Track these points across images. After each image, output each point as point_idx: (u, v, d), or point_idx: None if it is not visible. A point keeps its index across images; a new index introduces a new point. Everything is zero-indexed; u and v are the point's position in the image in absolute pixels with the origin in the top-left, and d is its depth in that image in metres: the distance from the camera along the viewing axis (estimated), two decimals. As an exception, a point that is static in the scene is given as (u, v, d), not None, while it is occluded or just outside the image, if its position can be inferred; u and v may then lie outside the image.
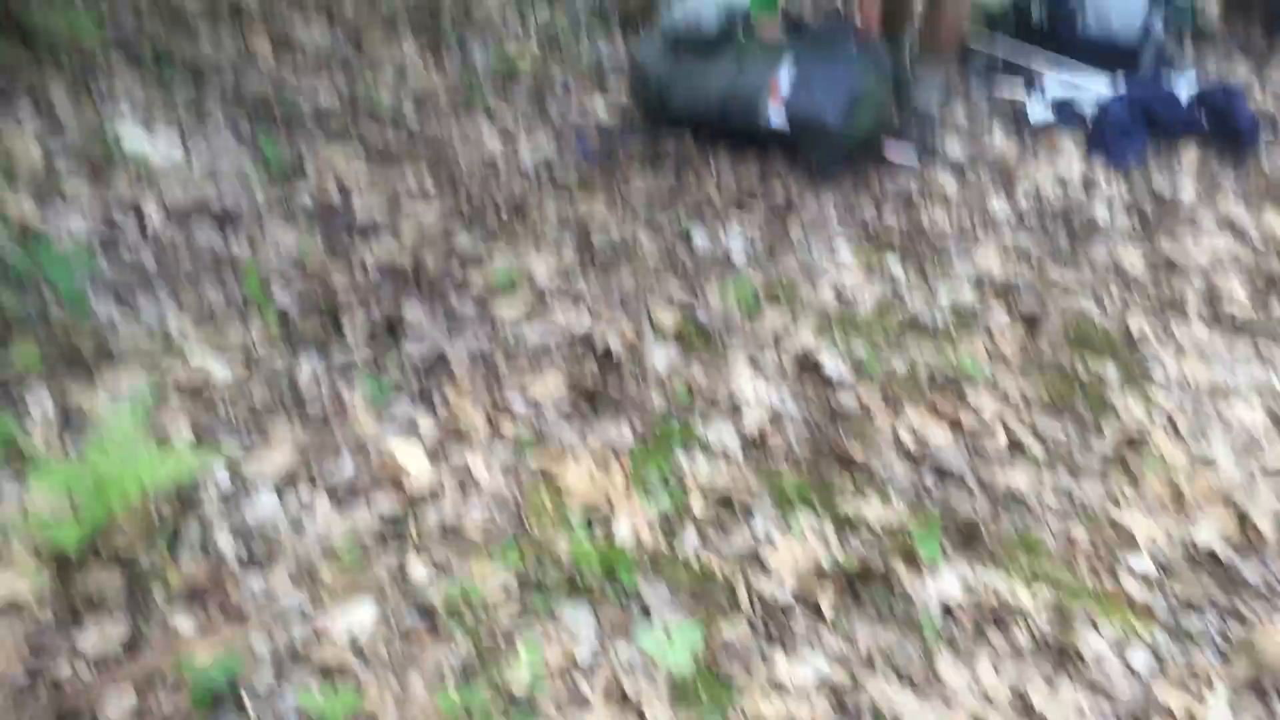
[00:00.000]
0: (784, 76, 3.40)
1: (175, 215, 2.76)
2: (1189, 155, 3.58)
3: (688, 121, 3.54)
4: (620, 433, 2.28)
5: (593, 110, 3.76)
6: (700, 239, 3.08)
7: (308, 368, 2.36)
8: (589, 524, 2.01)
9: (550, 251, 2.95)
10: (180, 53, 3.42)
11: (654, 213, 3.20)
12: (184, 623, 1.72)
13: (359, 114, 3.46)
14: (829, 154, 3.37)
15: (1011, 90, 3.95)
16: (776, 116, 3.38)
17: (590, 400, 2.37)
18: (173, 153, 2.95)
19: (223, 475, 2.01)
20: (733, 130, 3.49)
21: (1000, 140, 3.68)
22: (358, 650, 1.72)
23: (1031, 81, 3.98)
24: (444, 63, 3.87)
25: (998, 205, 3.33)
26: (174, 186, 2.85)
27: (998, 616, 1.88)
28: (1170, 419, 2.45)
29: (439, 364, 2.44)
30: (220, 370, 2.29)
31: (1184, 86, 3.76)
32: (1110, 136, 3.57)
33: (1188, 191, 3.41)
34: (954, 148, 3.61)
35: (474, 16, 4.12)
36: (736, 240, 3.09)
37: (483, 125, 3.58)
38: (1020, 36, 4.10)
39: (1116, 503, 2.18)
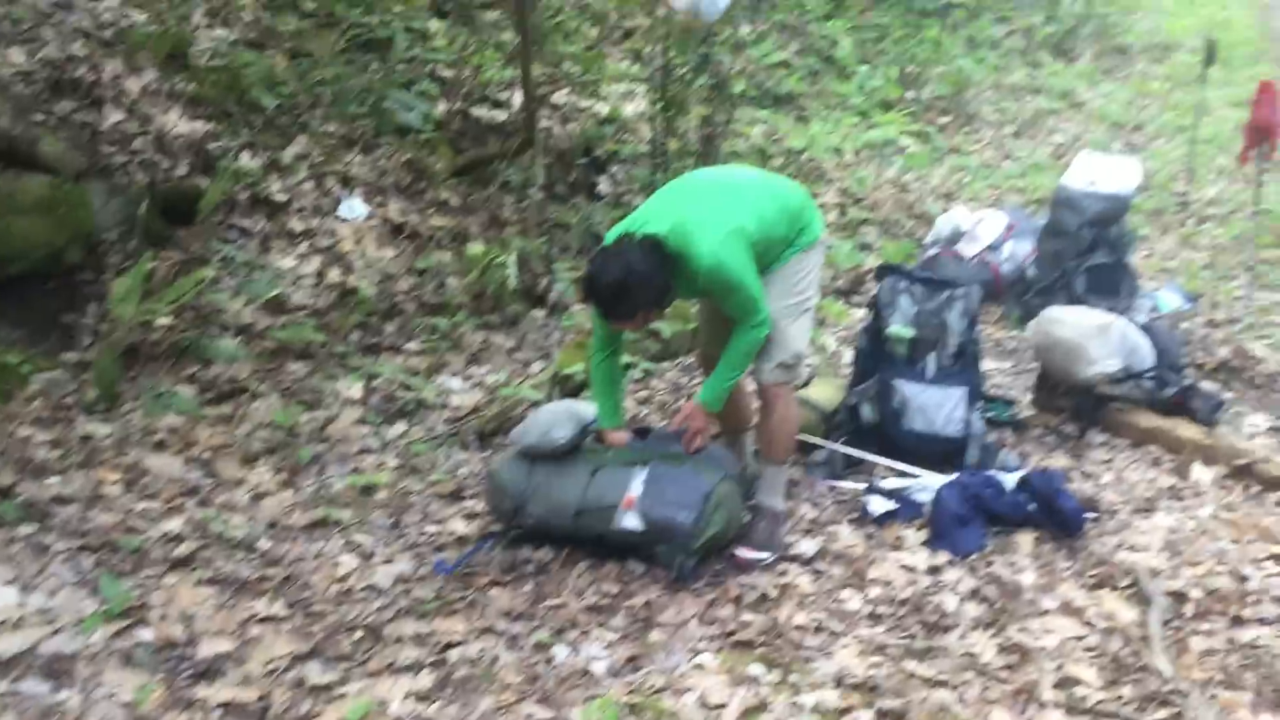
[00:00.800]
0: (636, 482, 3.52)
1: (2, 667, 2.60)
2: (1024, 541, 3.76)
3: (545, 531, 3.59)
4: None
5: (450, 524, 3.78)
6: (561, 652, 3.04)
7: (136, 830, 2.16)
8: None
9: (406, 676, 2.86)
10: (25, 491, 3.37)
11: (513, 627, 3.16)
12: None
13: (209, 542, 3.40)
14: (684, 556, 3.44)
15: (852, 484, 4.16)
16: (631, 521, 3.47)
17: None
18: (5, 597, 2.83)
19: None
20: (590, 538, 3.55)
21: (846, 534, 3.82)
22: None
23: (870, 476, 4.20)
24: (299, 483, 3.89)
25: (851, 599, 3.41)
26: (3, 635, 2.71)
27: None
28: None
29: (283, 814, 2.28)
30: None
31: (1009, 477, 4.01)
32: (947, 526, 3.75)
33: (1028, 577, 3.55)
34: (803, 544, 3.72)
35: (330, 435, 4.20)
36: (598, 652, 3.06)
37: (337, 545, 3.56)
38: (854, 436, 4.36)
39: None
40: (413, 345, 4.90)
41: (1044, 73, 12.01)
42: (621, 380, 3.87)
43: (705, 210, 3.44)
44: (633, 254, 3.27)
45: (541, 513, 3.55)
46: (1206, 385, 5.13)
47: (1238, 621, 3.31)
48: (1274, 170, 9.15)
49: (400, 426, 4.41)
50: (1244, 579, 3.54)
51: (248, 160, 5.14)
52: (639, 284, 3.27)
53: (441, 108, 6.21)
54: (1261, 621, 3.32)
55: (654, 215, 3.44)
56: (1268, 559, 3.70)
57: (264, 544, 3.49)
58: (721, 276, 3.37)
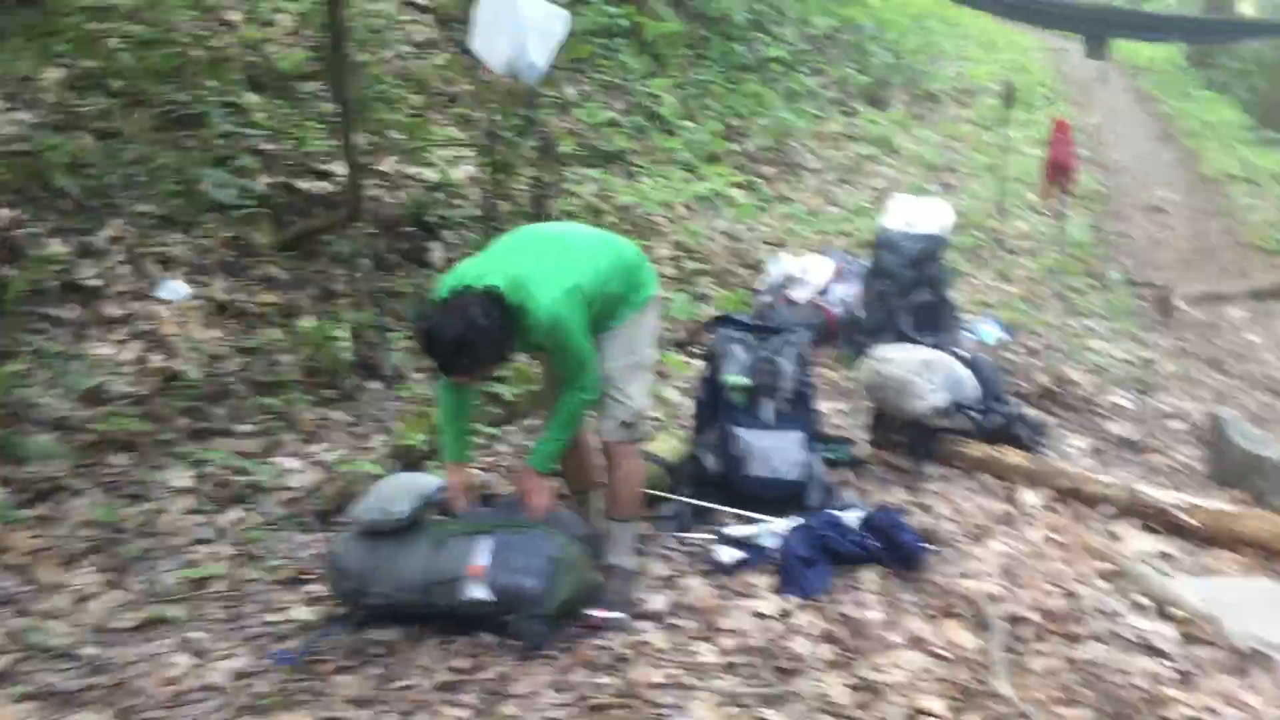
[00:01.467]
0: (482, 551, 3.46)
1: None
2: (869, 578, 3.85)
3: (392, 610, 3.49)
4: None
5: (291, 611, 3.64)
6: (413, 738, 2.95)
7: None
8: None
9: (248, 779, 2.73)
10: None
11: (360, 714, 3.05)
12: None
13: (29, 654, 3.20)
14: (536, 623, 3.40)
15: (701, 536, 4.18)
16: (479, 592, 3.41)
17: None
18: None
19: None
20: (438, 613, 3.47)
21: (698, 586, 3.83)
22: None
23: (717, 526, 4.23)
24: (126, 582, 3.70)
25: (704, 652, 3.41)
26: None
27: None
28: None
29: None
30: None
31: (851, 515, 4.10)
32: (794, 570, 3.80)
33: (875, 613, 3.62)
34: (655, 600, 3.71)
35: (159, 528, 4.00)
36: (451, 732, 2.98)
37: (171, 644, 3.39)
38: (700, 486, 4.40)
39: None
40: (245, 427, 4.73)
41: (860, 120, 12.50)
42: (470, 411, 3.78)
43: (543, 265, 3.41)
44: (474, 307, 3.20)
45: (386, 591, 3.46)
46: (1029, 412, 5.37)
47: (1073, 639, 3.45)
48: (1075, 204, 9.75)
49: (235, 513, 4.23)
50: (1076, 598, 3.69)
51: (57, 246, 4.91)
52: (481, 338, 3.20)
53: (264, 182, 6.06)
54: (1095, 638, 3.47)
55: (490, 268, 3.38)
56: (1096, 575, 3.87)
57: (89, 651, 3.30)
58: (559, 333, 3.35)
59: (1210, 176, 13.38)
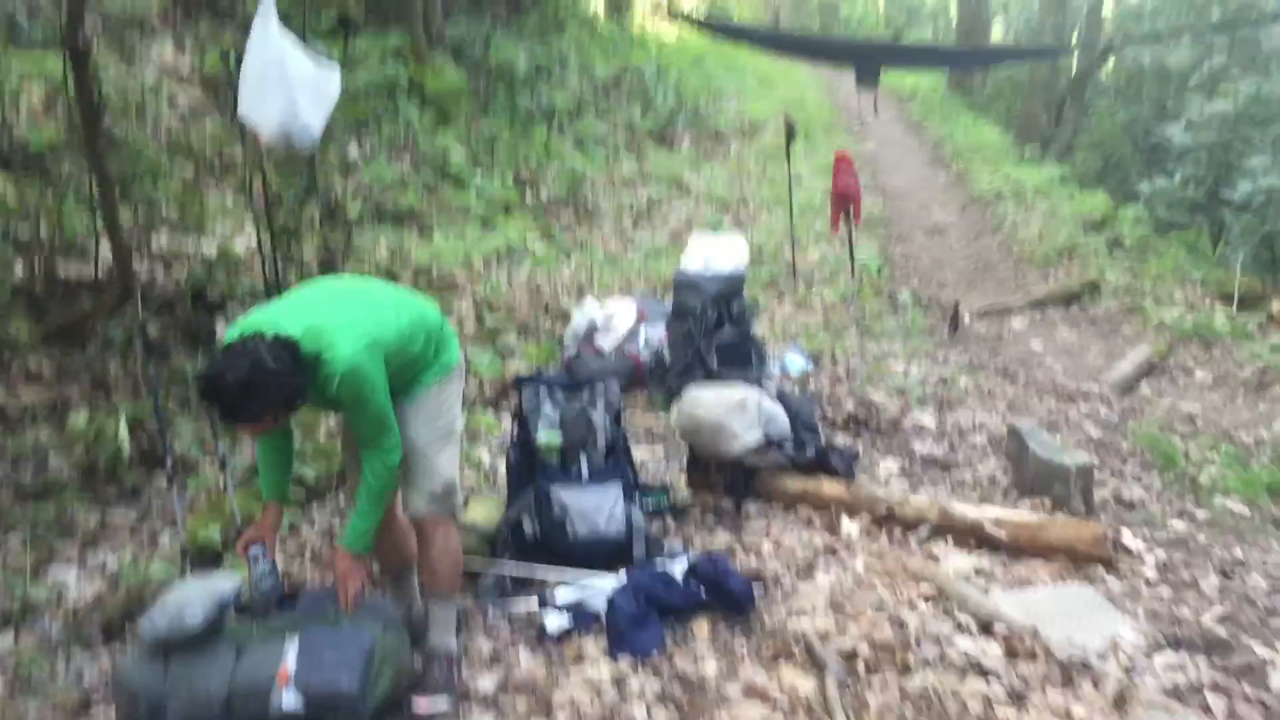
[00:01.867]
0: (289, 654, 3.20)
1: None
2: (700, 629, 3.75)
3: (190, 733, 3.18)
4: None
5: (77, 745, 3.29)
6: None
7: None
8: None
9: None
10: None
11: None
12: None
13: None
14: (355, 724, 3.15)
15: (526, 606, 4.00)
16: (290, 700, 3.13)
17: None
18: None
19: None
20: (245, 727, 3.18)
21: (527, 660, 3.65)
22: None
23: (542, 592, 4.07)
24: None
25: (539, 731, 3.24)
26: None
27: None
28: None
29: None
30: None
31: (677, 565, 4.01)
32: (625, 630, 3.67)
33: (710, 667, 3.52)
34: (483, 680, 3.52)
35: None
36: None
37: (-66, 802, 2.99)
38: (520, 551, 4.22)
39: None
40: (13, 541, 4.29)
41: (650, 162, 12.64)
42: (290, 449, 3.48)
43: (342, 317, 3.17)
44: (262, 350, 2.94)
45: (185, 711, 3.13)
46: (840, 440, 5.42)
47: (905, 669, 3.43)
48: (862, 231, 10.08)
49: (5, 638, 3.82)
50: (903, 625, 3.68)
51: None
52: (270, 381, 2.91)
53: (19, 269, 5.59)
54: (926, 663, 3.46)
55: (284, 317, 3.12)
56: (920, 599, 3.88)
57: None
58: (356, 386, 3.11)
59: (981, 195, 14.10)
